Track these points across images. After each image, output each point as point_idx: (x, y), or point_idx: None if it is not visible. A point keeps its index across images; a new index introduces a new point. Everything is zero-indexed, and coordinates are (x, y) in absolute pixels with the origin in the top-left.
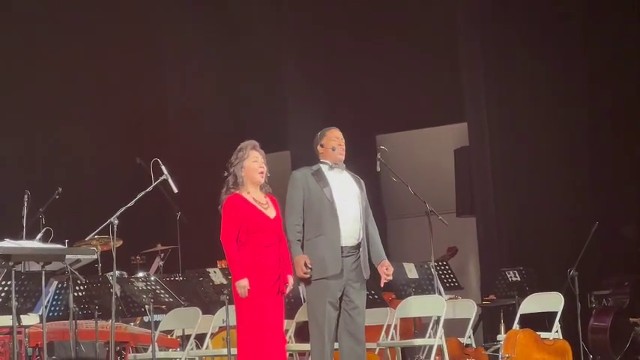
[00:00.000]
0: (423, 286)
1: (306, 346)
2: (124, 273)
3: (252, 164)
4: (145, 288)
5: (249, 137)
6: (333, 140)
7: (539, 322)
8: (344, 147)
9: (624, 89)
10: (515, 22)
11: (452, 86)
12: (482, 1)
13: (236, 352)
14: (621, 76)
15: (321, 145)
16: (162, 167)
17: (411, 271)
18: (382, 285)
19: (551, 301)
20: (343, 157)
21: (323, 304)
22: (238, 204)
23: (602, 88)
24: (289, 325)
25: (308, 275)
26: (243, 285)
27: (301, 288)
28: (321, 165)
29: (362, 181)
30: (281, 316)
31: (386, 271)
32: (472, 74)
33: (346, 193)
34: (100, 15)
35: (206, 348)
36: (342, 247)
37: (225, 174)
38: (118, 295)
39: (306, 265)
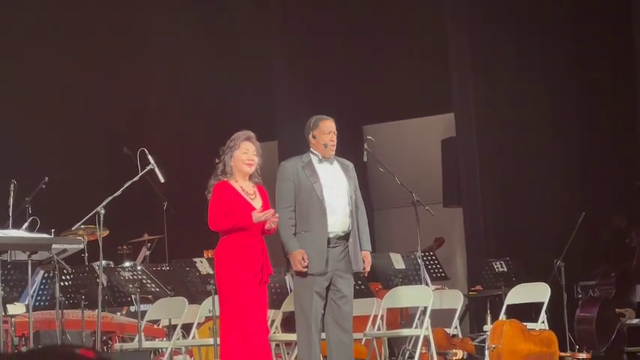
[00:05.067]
0: (410, 277)
1: (292, 336)
2: (111, 263)
3: (241, 155)
4: (131, 278)
5: (236, 127)
6: (326, 135)
7: (526, 312)
8: (335, 142)
9: (612, 78)
10: (503, 13)
11: (439, 77)
12: None
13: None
14: (609, 65)
15: (313, 137)
16: (149, 157)
17: (398, 262)
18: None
19: (537, 292)
20: (334, 153)
21: (310, 294)
22: (225, 191)
23: (590, 78)
24: (276, 315)
25: (306, 270)
26: (258, 217)
27: (287, 278)
28: (311, 156)
29: (351, 167)
30: (264, 306)
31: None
32: (459, 65)
33: (336, 189)
34: (88, 9)
35: (192, 338)
36: (329, 238)
37: (217, 161)
38: (105, 284)
39: (303, 259)
